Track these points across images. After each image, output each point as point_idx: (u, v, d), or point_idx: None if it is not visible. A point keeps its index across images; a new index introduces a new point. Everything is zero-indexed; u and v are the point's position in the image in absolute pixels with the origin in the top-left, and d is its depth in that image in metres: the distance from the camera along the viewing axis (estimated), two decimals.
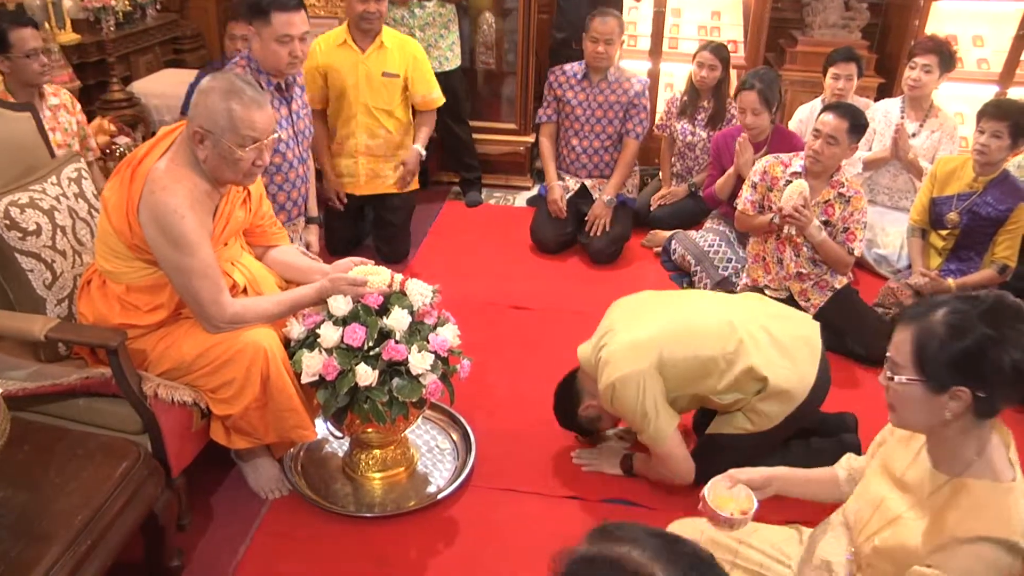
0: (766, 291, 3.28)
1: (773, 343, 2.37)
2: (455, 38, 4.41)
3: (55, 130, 3.21)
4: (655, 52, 4.91)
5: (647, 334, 2.34)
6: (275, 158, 3.01)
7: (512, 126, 4.88)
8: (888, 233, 3.94)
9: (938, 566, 1.42)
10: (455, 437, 2.76)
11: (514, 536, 2.38)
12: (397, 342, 2.24)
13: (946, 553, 1.41)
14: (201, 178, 2.16)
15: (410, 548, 2.34)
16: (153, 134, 3.41)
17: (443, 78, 4.02)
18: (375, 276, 2.33)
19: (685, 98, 4.28)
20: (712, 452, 2.43)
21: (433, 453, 2.70)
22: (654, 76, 4.91)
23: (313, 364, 2.20)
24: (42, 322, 2.13)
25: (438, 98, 3.83)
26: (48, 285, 2.30)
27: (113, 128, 3.84)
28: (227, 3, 5.07)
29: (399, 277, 2.38)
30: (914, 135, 3.98)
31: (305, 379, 2.22)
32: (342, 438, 2.60)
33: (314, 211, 3.37)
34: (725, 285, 3.58)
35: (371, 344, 2.23)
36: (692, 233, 3.94)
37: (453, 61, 4.41)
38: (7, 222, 2.20)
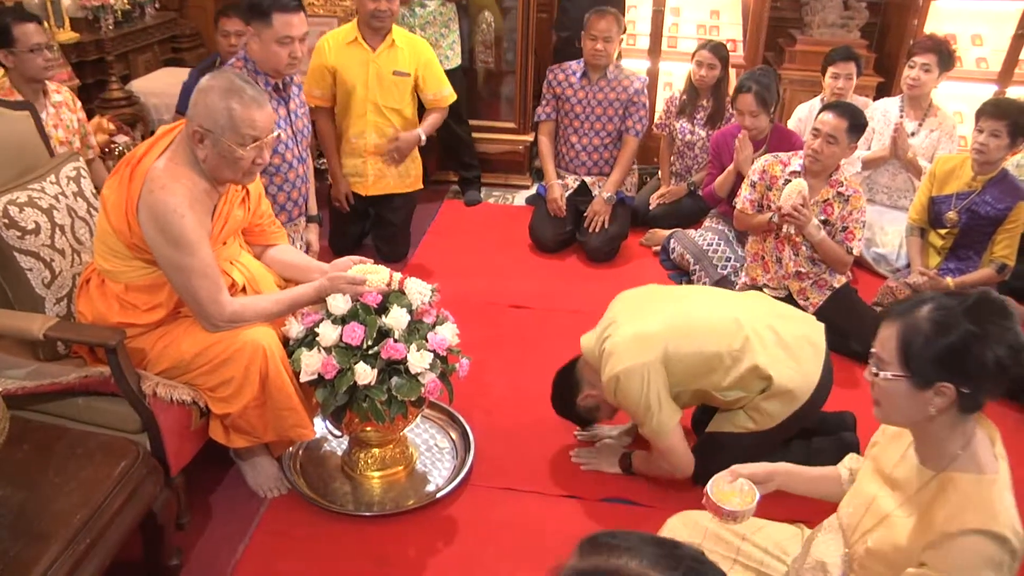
0: (765, 290, 3.28)
1: (779, 342, 2.37)
2: (456, 37, 4.41)
3: (58, 127, 3.22)
4: (654, 51, 4.92)
5: (653, 327, 2.33)
6: (274, 159, 3.01)
7: (511, 125, 4.88)
8: (887, 232, 3.94)
9: (931, 563, 1.42)
10: (454, 436, 2.76)
11: (513, 535, 2.39)
12: (396, 341, 2.24)
13: (938, 550, 1.42)
14: (200, 177, 2.16)
15: (409, 547, 2.34)
16: (152, 133, 3.41)
17: None
18: (374, 275, 2.33)
19: (684, 97, 4.29)
20: (712, 450, 2.44)
21: (432, 452, 2.70)
22: (653, 75, 4.91)
23: (312, 363, 2.20)
24: (41, 321, 2.13)
25: (449, 95, 3.83)
26: (47, 284, 2.30)
27: (112, 127, 3.84)
28: (225, 1, 5.07)
29: (398, 276, 2.38)
30: (913, 134, 3.98)
31: (304, 378, 2.22)
32: (341, 437, 2.60)
33: (314, 209, 3.36)
34: (724, 284, 3.58)
35: (370, 343, 2.23)
36: (691, 232, 3.94)
37: (454, 60, 4.41)
38: (6, 221, 2.20)
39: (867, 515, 1.61)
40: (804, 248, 3.20)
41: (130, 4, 4.77)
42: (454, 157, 4.77)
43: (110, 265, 2.20)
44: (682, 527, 1.89)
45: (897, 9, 5.01)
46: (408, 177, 3.88)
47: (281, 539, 2.34)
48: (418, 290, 2.35)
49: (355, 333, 2.21)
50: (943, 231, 3.48)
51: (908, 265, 3.68)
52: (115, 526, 1.83)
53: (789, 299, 3.22)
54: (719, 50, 4.12)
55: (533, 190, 4.81)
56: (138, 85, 4.65)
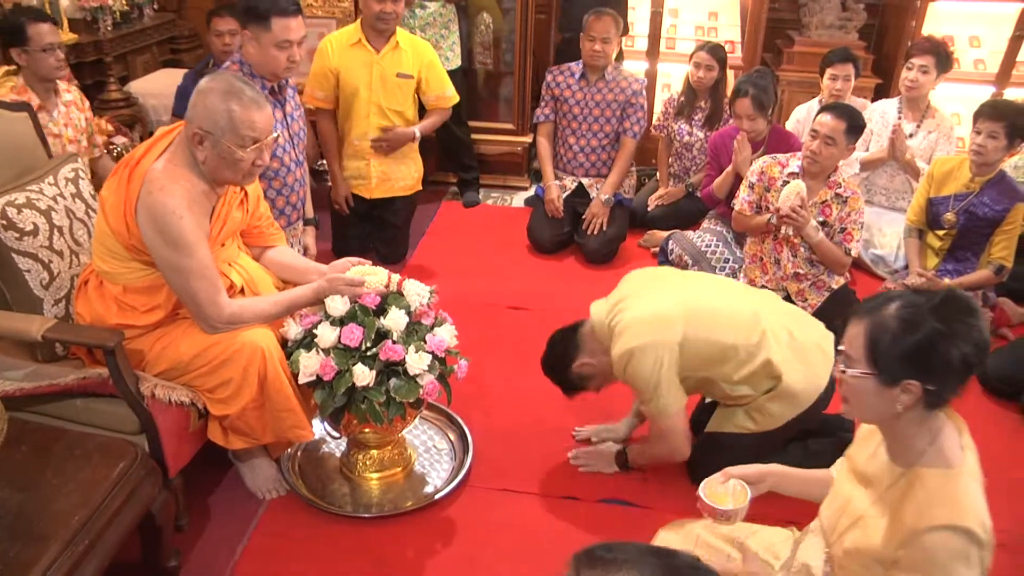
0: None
1: (792, 344, 2.37)
2: (456, 38, 4.41)
3: (68, 125, 3.26)
4: (652, 52, 4.92)
5: (671, 308, 2.31)
6: (272, 163, 3.00)
7: (510, 126, 4.88)
8: (885, 233, 3.95)
9: (903, 562, 1.43)
10: (452, 437, 2.76)
11: (511, 536, 2.39)
12: (394, 342, 2.24)
13: (908, 548, 1.43)
14: (199, 179, 2.16)
15: (407, 548, 2.34)
16: (151, 134, 3.42)
17: None
18: (372, 276, 2.33)
19: (682, 98, 4.29)
20: (712, 450, 2.44)
21: (430, 453, 2.70)
22: (651, 76, 4.92)
23: (310, 364, 2.20)
24: (39, 322, 2.13)
25: (452, 97, 3.82)
26: (45, 285, 2.30)
27: (110, 128, 3.84)
28: (223, 3, 5.07)
29: (396, 277, 2.38)
30: (911, 136, 3.99)
31: (302, 379, 2.22)
32: (339, 438, 2.60)
33: (310, 212, 3.36)
34: None
35: (368, 344, 2.23)
36: (689, 233, 3.94)
37: (454, 61, 4.41)
38: (4, 222, 2.20)
39: (844, 515, 1.61)
40: (802, 249, 3.20)
41: (128, 5, 4.77)
42: (453, 158, 4.77)
43: (108, 266, 2.20)
44: (674, 536, 1.89)
45: (895, 11, 5.01)
46: (411, 179, 3.88)
47: (280, 540, 2.34)
48: (416, 292, 2.35)
49: (353, 334, 2.21)
50: (941, 232, 3.49)
51: (906, 266, 3.69)
52: (114, 527, 1.83)
53: (787, 300, 3.22)
54: (717, 51, 4.13)
55: (531, 191, 4.81)
56: (136, 86, 4.65)
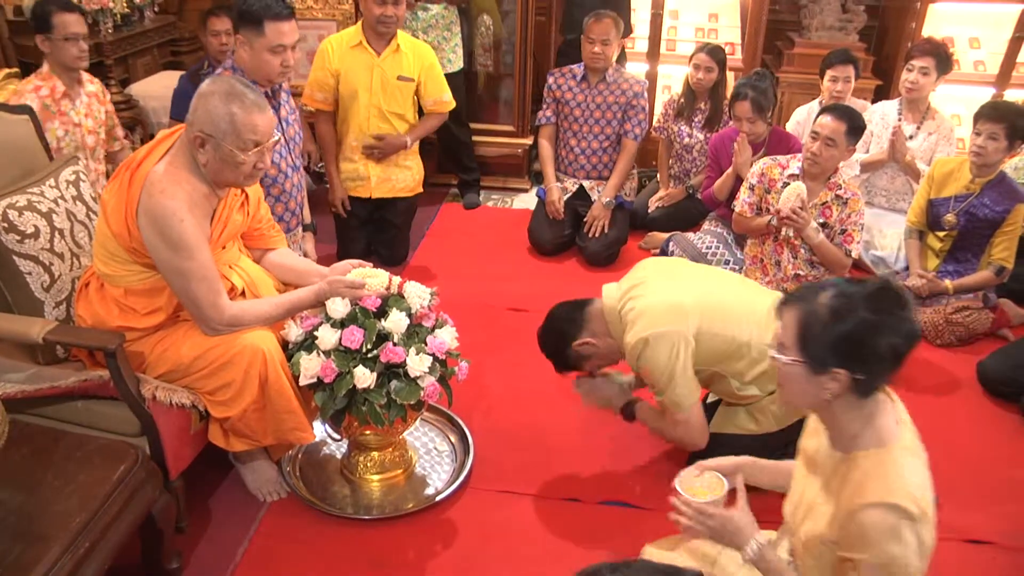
0: None
1: None
2: (458, 40, 4.41)
3: (88, 116, 3.29)
4: (652, 54, 4.93)
5: (688, 299, 2.29)
6: (270, 169, 2.99)
7: (510, 128, 4.88)
8: (885, 235, 3.94)
9: (842, 545, 1.44)
10: (453, 439, 2.76)
11: (512, 538, 2.39)
12: (395, 344, 2.24)
13: (845, 531, 1.44)
14: (200, 181, 2.16)
15: (408, 550, 2.34)
16: (151, 136, 3.43)
17: (446, 80, 4.01)
18: (373, 278, 2.33)
19: (682, 100, 4.29)
20: (713, 449, 2.43)
21: (431, 455, 2.70)
22: (652, 78, 4.92)
23: (311, 366, 2.21)
24: (40, 324, 2.13)
25: (449, 102, 3.82)
26: (46, 288, 2.30)
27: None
28: (220, 3, 5.08)
29: (397, 280, 2.38)
30: (911, 137, 3.99)
31: (303, 381, 2.23)
32: (340, 440, 2.60)
33: (308, 218, 3.35)
34: None
35: (370, 347, 2.23)
36: (690, 235, 3.94)
37: (456, 63, 4.41)
38: (5, 225, 2.20)
39: (800, 507, 1.62)
40: (803, 251, 3.20)
41: (129, 8, 4.77)
42: (453, 160, 4.77)
43: (109, 269, 2.20)
44: (656, 551, 1.89)
45: (895, 12, 5.02)
46: (411, 181, 3.87)
47: (280, 542, 2.34)
48: (417, 294, 2.35)
49: (354, 337, 2.21)
50: (941, 234, 3.49)
51: (907, 268, 3.69)
52: (114, 529, 1.84)
53: None
54: (716, 53, 4.13)
55: (532, 193, 4.81)
56: (137, 89, 4.66)
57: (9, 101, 3.09)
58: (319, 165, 4.34)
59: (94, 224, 2.43)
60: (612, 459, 2.68)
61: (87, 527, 1.76)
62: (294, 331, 2.28)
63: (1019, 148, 3.35)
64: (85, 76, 3.34)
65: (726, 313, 2.32)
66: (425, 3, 4.23)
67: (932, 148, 3.96)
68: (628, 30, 4.62)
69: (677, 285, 2.36)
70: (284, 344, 2.29)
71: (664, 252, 3.97)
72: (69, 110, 3.19)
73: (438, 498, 2.49)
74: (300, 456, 2.66)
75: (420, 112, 3.86)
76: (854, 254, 3.17)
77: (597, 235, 4.04)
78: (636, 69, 4.73)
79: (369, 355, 2.23)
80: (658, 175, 4.57)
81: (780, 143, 3.70)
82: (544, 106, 4.19)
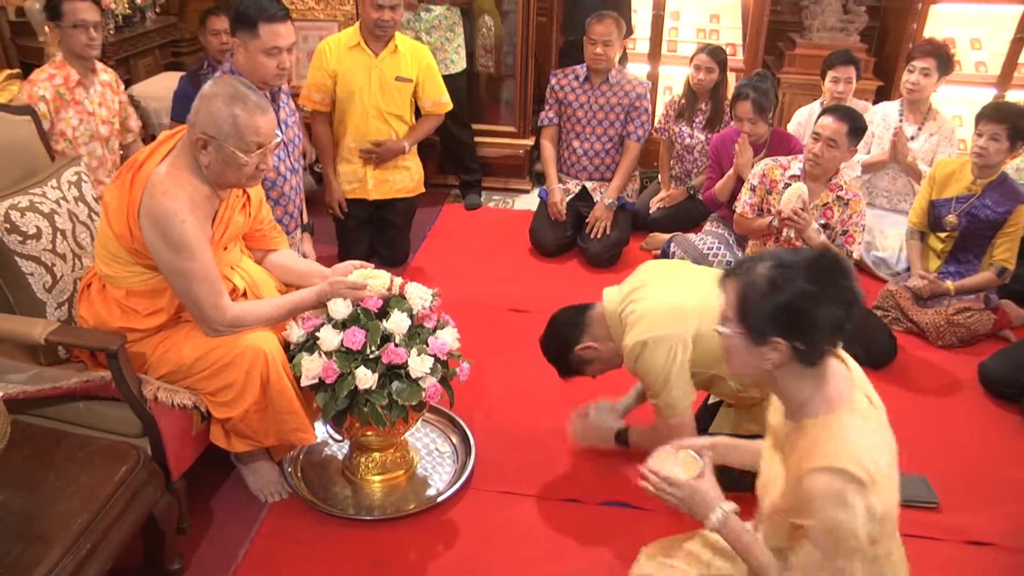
0: None
1: None
2: (461, 41, 4.41)
3: (103, 105, 3.29)
4: (654, 55, 4.93)
5: (688, 301, 2.28)
6: (269, 174, 2.97)
7: (511, 129, 4.89)
8: (887, 236, 3.95)
9: (791, 513, 1.44)
10: (454, 440, 2.76)
11: (513, 539, 2.39)
12: (397, 345, 2.24)
13: (793, 497, 1.44)
14: (201, 182, 2.16)
15: (409, 551, 2.34)
16: (153, 137, 3.43)
17: (449, 81, 4.01)
18: (374, 279, 2.33)
19: (683, 101, 4.29)
20: None
21: (432, 456, 2.70)
22: (653, 79, 4.93)
23: (313, 367, 2.21)
24: (42, 325, 2.13)
25: (447, 103, 3.82)
26: (48, 288, 2.31)
27: None
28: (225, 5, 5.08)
29: (398, 280, 2.38)
30: (912, 138, 3.99)
31: (305, 382, 2.23)
32: (342, 441, 2.60)
33: (305, 218, 3.35)
34: None
35: (373, 348, 2.23)
36: (691, 236, 3.94)
37: (459, 64, 4.42)
38: (7, 226, 2.20)
39: (768, 484, 1.63)
40: None
41: (131, 9, 4.78)
42: (455, 161, 4.78)
43: (111, 270, 2.20)
44: (646, 560, 1.88)
45: (896, 13, 5.02)
46: (410, 182, 3.87)
47: (282, 543, 2.35)
48: (419, 295, 2.35)
49: (356, 338, 2.21)
50: (943, 235, 3.49)
51: (908, 269, 3.69)
52: (116, 530, 1.84)
53: None
54: (717, 53, 4.13)
55: (533, 194, 4.81)
56: (139, 90, 4.66)
57: (22, 91, 3.11)
58: (319, 166, 4.34)
59: (96, 225, 2.43)
60: (612, 460, 2.68)
61: (89, 528, 1.77)
62: (295, 332, 2.28)
63: (1021, 149, 3.35)
64: (99, 65, 3.33)
65: None
66: (428, 4, 4.23)
67: (933, 149, 3.96)
68: (629, 31, 4.62)
69: (678, 287, 2.35)
70: (285, 345, 2.29)
71: (665, 253, 3.98)
72: (83, 99, 3.19)
73: (439, 499, 2.49)
74: (301, 457, 2.66)
75: (417, 112, 3.86)
76: (855, 255, 3.17)
77: (599, 236, 4.04)
78: (637, 70, 4.73)
79: (371, 356, 2.23)
80: (659, 176, 4.57)
81: (781, 144, 3.70)
82: (546, 107, 4.19)
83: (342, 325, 2.25)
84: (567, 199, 4.15)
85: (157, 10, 5.17)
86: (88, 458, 1.92)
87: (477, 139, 4.77)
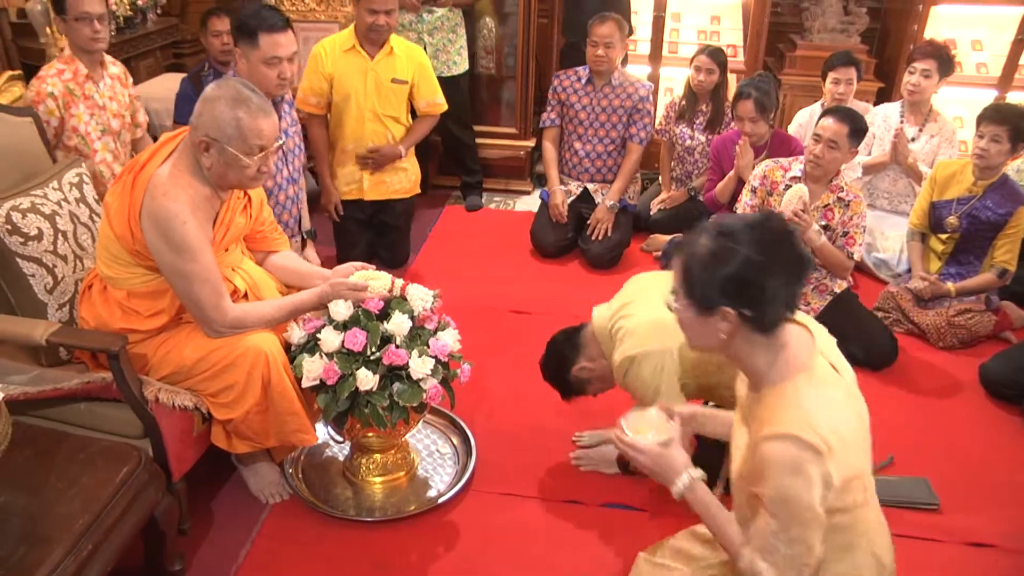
0: None
1: None
2: (463, 42, 4.41)
3: (113, 99, 3.27)
4: (655, 57, 4.93)
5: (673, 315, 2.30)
6: (266, 183, 2.97)
7: (512, 130, 4.89)
8: (888, 237, 3.95)
9: (749, 481, 1.44)
10: (455, 441, 2.76)
11: (514, 540, 2.39)
12: (398, 347, 2.24)
13: (750, 465, 1.43)
14: (203, 184, 2.16)
15: (410, 552, 2.34)
16: (154, 139, 3.43)
17: (451, 82, 4.01)
18: (375, 281, 2.33)
19: (683, 102, 4.29)
20: (713, 454, 2.43)
21: (433, 457, 2.71)
22: (654, 80, 4.92)
23: (314, 368, 2.21)
24: (44, 326, 2.14)
25: (442, 104, 3.82)
26: (49, 290, 2.31)
27: None
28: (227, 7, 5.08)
29: (399, 282, 2.38)
30: (913, 139, 3.99)
31: (306, 383, 2.23)
32: (343, 442, 2.60)
33: (307, 224, 3.35)
34: None
35: (374, 349, 2.23)
36: None
37: (461, 65, 4.42)
38: (9, 227, 2.21)
39: (735, 455, 1.63)
40: None
41: (132, 10, 4.79)
42: (456, 162, 4.78)
43: (112, 272, 2.21)
44: (644, 563, 1.88)
45: (897, 14, 5.02)
46: (407, 183, 3.87)
47: (283, 544, 2.35)
48: (420, 296, 2.35)
49: (357, 339, 2.21)
50: (944, 236, 3.49)
51: (909, 270, 3.69)
52: (117, 531, 1.84)
53: None
54: (717, 55, 4.13)
55: (534, 195, 4.81)
56: (140, 91, 4.64)
57: (31, 87, 3.09)
58: None
59: (97, 226, 2.43)
60: None
61: (90, 529, 1.77)
62: (297, 333, 2.28)
63: (1022, 150, 3.35)
64: (108, 58, 3.31)
65: None
66: (430, 6, 4.24)
67: (934, 150, 3.96)
68: (629, 32, 4.62)
69: (663, 301, 2.36)
70: (287, 346, 2.30)
71: (667, 254, 3.98)
72: (93, 93, 3.17)
73: (440, 500, 2.49)
74: (302, 458, 2.66)
75: (413, 113, 3.85)
76: (856, 256, 3.17)
77: (600, 238, 4.04)
78: (638, 71, 4.73)
79: (372, 357, 2.23)
80: (660, 177, 4.57)
81: (782, 145, 3.70)
82: (548, 108, 4.19)
83: (343, 326, 2.25)
84: (568, 200, 4.15)
85: (158, 11, 5.17)
86: (89, 459, 1.93)
87: (478, 140, 4.77)
